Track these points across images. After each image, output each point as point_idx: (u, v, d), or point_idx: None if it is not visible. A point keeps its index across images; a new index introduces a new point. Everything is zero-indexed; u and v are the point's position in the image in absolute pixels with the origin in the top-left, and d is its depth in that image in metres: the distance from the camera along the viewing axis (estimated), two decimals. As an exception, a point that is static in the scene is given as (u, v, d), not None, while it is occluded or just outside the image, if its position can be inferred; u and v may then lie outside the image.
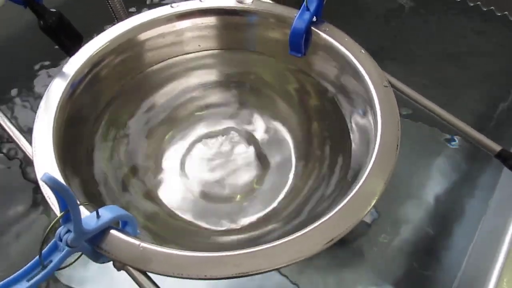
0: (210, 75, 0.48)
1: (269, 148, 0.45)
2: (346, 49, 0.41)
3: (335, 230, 0.29)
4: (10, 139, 0.37)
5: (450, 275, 0.46)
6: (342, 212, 0.30)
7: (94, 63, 0.41)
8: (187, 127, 0.46)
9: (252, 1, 0.44)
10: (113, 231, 0.29)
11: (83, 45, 0.42)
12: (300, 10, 0.41)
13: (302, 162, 0.43)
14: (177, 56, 0.47)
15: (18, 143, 0.37)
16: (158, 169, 0.43)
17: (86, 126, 0.41)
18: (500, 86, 0.62)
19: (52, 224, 0.26)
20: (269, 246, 0.28)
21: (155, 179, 0.42)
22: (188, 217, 0.40)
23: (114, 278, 0.45)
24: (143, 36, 0.44)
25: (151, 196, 0.41)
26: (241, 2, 0.45)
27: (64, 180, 0.32)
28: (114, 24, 0.43)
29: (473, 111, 0.60)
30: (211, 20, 0.45)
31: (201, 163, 0.44)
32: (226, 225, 0.40)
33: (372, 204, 0.31)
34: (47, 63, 0.64)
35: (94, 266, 0.31)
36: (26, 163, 0.54)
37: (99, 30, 0.43)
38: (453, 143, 0.57)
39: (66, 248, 0.27)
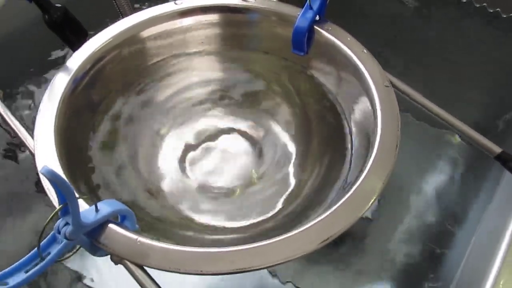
0: (211, 73, 0.48)
1: (268, 146, 0.45)
2: (348, 48, 0.41)
3: (331, 229, 0.29)
4: (14, 134, 0.38)
5: (449, 276, 0.46)
6: (339, 211, 0.30)
7: (97, 58, 0.41)
8: (187, 124, 0.46)
9: (256, -1, 0.44)
10: (111, 225, 0.29)
11: (87, 40, 0.42)
12: (303, 8, 0.41)
13: (302, 161, 0.43)
14: (179, 52, 0.47)
15: (21, 137, 0.37)
16: (158, 164, 0.43)
17: (88, 120, 0.42)
18: (504, 88, 0.62)
19: (50, 216, 0.26)
20: (265, 243, 0.28)
21: (155, 175, 0.42)
22: (186, 212, 0.40)
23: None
24: (146, 32, 0.44)
25: (151, 191, 0.41)
26: (245, 0, 0.45)
27: (65, 174, 0.33)
28: (119, 20, 0.44)
29: (476, 113, 0.59)
30: (214, 17, 0.45)
31: (200, 160, 0.44)
32: (224, 222, 0.40)
33: (370, 203, 0.31)
34: (51, 58, 0.64)
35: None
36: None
37: (104, 25, 0.44)
38: (455, 143, 0.56)
39: (64, 241, 0.27)
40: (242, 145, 0.45)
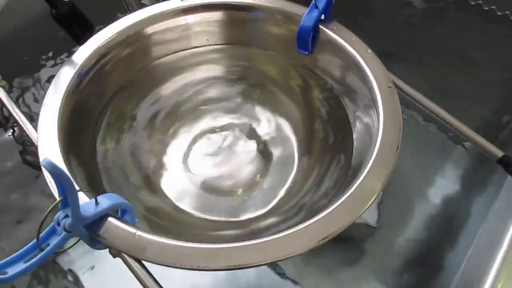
0: (216, 70, 0.48)
1: (271, 144, 0.45)
2: (353, 48, 0.40)
3: (330, 228, 0.29)
4: (17, 125, 0.38)
5: (449, 277, 0.46)
6: (338, 210, 0.30)
7: (102, 54, 0.41)
8: (191, 121, 0.46)
9: (261, -3, 0.44)
10: (110, 219, 0.29)
11: (94, 34, 0.42)
12: (309, 7, 0.41)
13: (304, 158, 0.43)
14: (184, 49, 0.47)
15: (25, 129, 0.37)
16: (161, 161, 0.43)
17: (92, 115, 0.42)
18: (509, 91, 0.62)
19: (50, 208, 0.26)
20: (263, 240, 0.29)
21: (158, 171, 0.42)
22: (189, 209, 0.41)
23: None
24: (151, 29, 0.44)
25: (153, 187, 0.41)
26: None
27: (67, 167, 0.33)
28: (126, 15, 0.44)
29: (480, 116, 0.59)
30: (219, 15, 0.46)
31: (204, 157, 0.44)
32: (226, 218, 0.40)
33: (369, 203, 0.31)
34: (55, 54, 0.65)
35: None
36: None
37: (111, 20, 0.44)
38: (459, 146, 0.56)
39: (64, 233, 0.27)
40: (246, 142, 0.45)
